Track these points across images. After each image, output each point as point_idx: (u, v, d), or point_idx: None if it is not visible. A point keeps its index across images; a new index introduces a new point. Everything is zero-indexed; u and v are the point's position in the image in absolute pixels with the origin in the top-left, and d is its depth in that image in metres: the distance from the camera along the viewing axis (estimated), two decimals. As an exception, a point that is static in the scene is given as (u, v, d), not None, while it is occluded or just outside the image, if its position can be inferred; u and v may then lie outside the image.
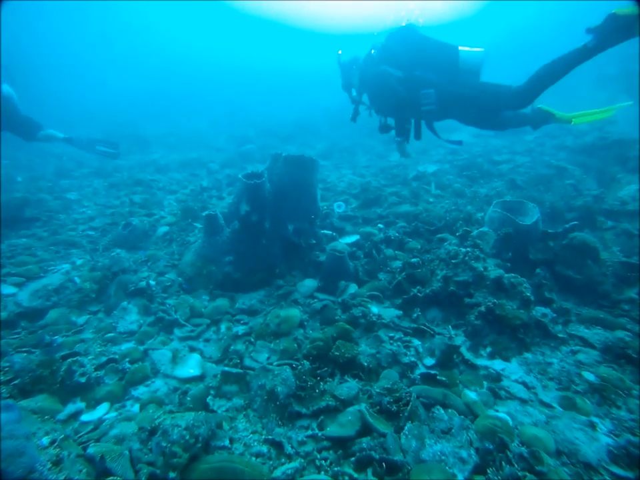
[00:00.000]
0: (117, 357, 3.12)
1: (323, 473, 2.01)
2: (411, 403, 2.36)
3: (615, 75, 14.68)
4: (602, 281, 3.90)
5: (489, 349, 3.23)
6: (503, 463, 2.01)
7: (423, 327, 3.40)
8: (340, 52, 5.06)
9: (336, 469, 2.01)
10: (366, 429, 2.24)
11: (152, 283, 4.14)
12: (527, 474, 1.97)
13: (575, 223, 4.38)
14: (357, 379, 2.76)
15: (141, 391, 2.80)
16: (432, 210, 5.58)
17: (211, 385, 2.70)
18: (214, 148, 13.68)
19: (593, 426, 2.40)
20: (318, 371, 2.72)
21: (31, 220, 6.09)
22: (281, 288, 4.06)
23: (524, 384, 2.85)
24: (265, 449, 2.18)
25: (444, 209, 5.76)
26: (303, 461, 2.09)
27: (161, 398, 2.67)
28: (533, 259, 4.13)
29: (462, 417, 2.38)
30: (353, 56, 4.97)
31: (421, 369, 2.95)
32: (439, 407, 2.47)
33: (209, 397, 2.58)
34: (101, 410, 2.59)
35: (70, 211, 6.85)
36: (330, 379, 2.70)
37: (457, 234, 4.65)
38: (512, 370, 3.01)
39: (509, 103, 4.33)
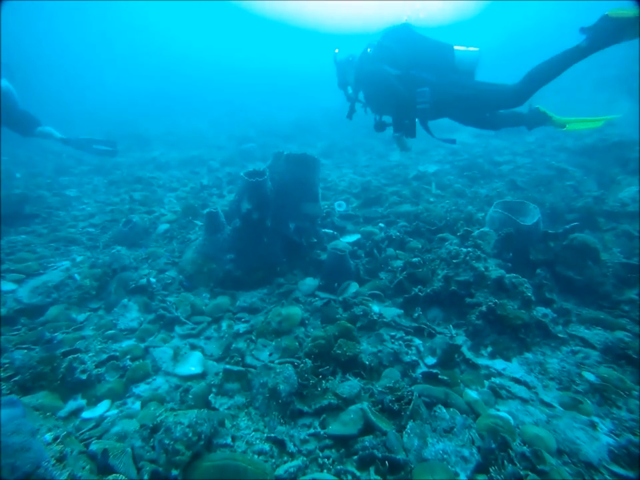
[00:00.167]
0: (117, 354, 3.11)
1: (325, 471, 2.01)
2: (412, 402, 2.36)
3: (616, 77, 14.71)
4: (602, 282, 3.90)
5: (489, 349, 3.24)
6: (505, 461, 2.01)
7: (424, 326, 3.41)
8: (337, 51, 5.12)
9: (339, 467, 2.01)
10: (368, 428, 2.24)
11: (152, 280, 4.13)
12: (529, 473, 1.97)
13: (576, 223, 4.39)
14: (358, 378, 2.76)
15: (142, 388, 2.79)
16: (433, 210, 5.58)
17: (212, 382, 2.69)
18: (214, 146, 13.67)
19: (593, 425, 2.40)
20: (320, 369, 2.72)
21: (30, 216, 6.08)
22: (282, 286, 4.06)
23: (525, 383, 2.85)
24: (267, 447, 2.18)
25: (444, 208, 5.77)
26: (305, 459, 2.09)
27: (162, 396, 2.66)
28: (534, 259, 4.13)
29: (464, 415, 2.39)
30: (349, 54, 5.02)
31: (423, 368, 2.95)
32: (440, 405, 2.47)
33: (211, 395, 2.58)
34: (102, 407, 2.58)
35: (69, 208, 6.84)
36: (332, 378, 2.70)
37: (458, 234, 4.66)
38: (513, 369, 3.02)
39: (503, 102, 4.36)
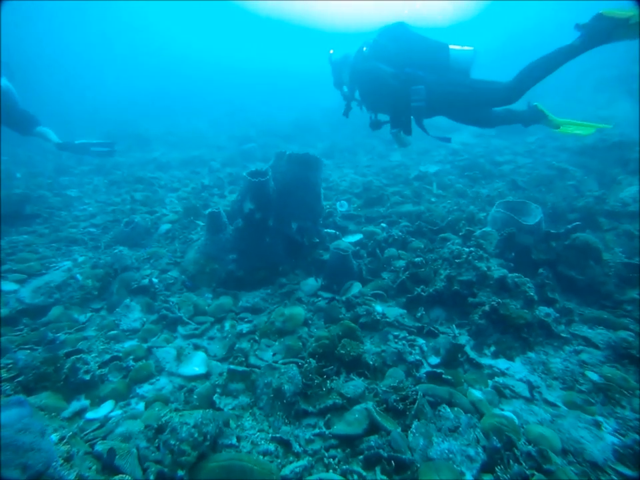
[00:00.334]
0: (120, 354, 3.10)
1: (331, 471, 2.01)
2: (417, 401, 2.36)
3: (616, 77, 14.73)
4: (604, 282, 3.90)
5: (492, 348, 3.24)
6: (511, 461, 2.01)
7: (427, 326, 3.41)
8: (331, 51, 5.14)
9: (344, 467, 2.01)
10: (373, 427, 2.24)
11: (155, 280, 4.13)
12: (535, 472, 1.97)
13: (578, 223, 4.40)
14: (362, 378, 2.76)
15: (145, 388, 2.79)
16: (434, 210, 5.58)
17: (217, 382, 2.69)
18: (215, 146, 13.66)
19: (598, 425, 2.40)
20: (324, 369, 2.72)
21: (31, 216, 6.07)
22: (284, 286, 4.06)
23: (528, 383, 2.85)
24: (272, 447, 2.18)
25: (446, 208, 5.77)
26: (311, 459, 2.09)
27: (166, 396, 2.66)
28: (536, 259, 4.13)
29: (469, 415, 2.39)
30: (344, 54, 5.03)
31: (426, 368, 2.95)
32: (445, 405, 2.47)
33: (215, 395, 2.57)
34: (106, 408, 2.58)
35: (71, 208, 6.84)
36: (336, 377, 2.70)
37: (460, 234, 4.66)
38: (516, 369, 3.01)
39: (497, 99, 4.37)
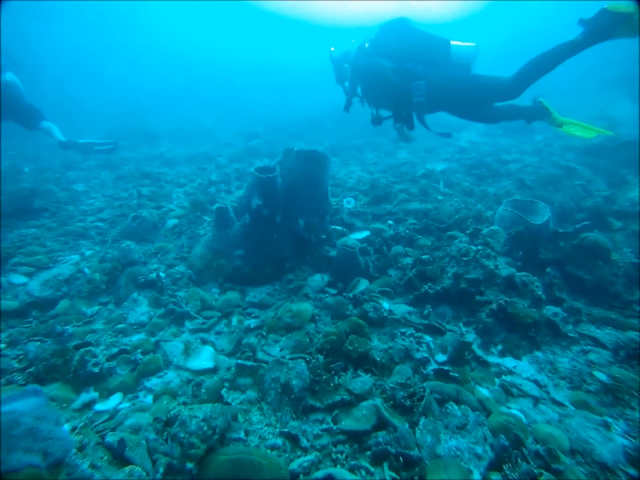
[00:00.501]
0: (128, 348, 3.12)
1: (339, 466, 2.01)
2: (425, 398, 2.36)
3: (618, 78, 14.63)
4: (613, 282, 3.88)
5: (499, 347, 3.23)
6: (519, 459, 2.00)
7: (434, 323, 3.40)
8: (332, 49, 5.20)
9: (352, 462, 2.02)
10: (381, 423, 2.24)
11: (162, 275, 4.14)
12: (543, 471, 1.96)
13: (586, 223, 4.38)
14: (369, 374, 2.76)
15: (153, 382, 2.80)
16: (441, 208, 5.57)
17: (225, 377, 2.70)
18: (221, 143, 13.69)
19: (607, 426, 2.38)
20: (331, 365, 2.72)
21: (39, 210, 6.11)
22: (291, 282, 4.06)
23: (535, 382, 2.84)
24: (280, 441, 2.18)
25: (453, 206, 5.75)
26: (318, 454, 2.09)
27: (174, 389, 2.67)
28: (543, 258, 4.12)
29: (477, 412, 2.39)
30: (345, 50, 5.08)
31: (433, 365, 2.95)
32: (452, 402, 2.47)
33: (224, 389, 2.59)
34: (114, 400, 2.60)
35: (78, 202, 6.86)
36: (343, 373, 2.70)
37: (467, 232, 4.65)
38: (523, 368, 3.01)
39: (498, 94, 4.37)
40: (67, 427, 1.92)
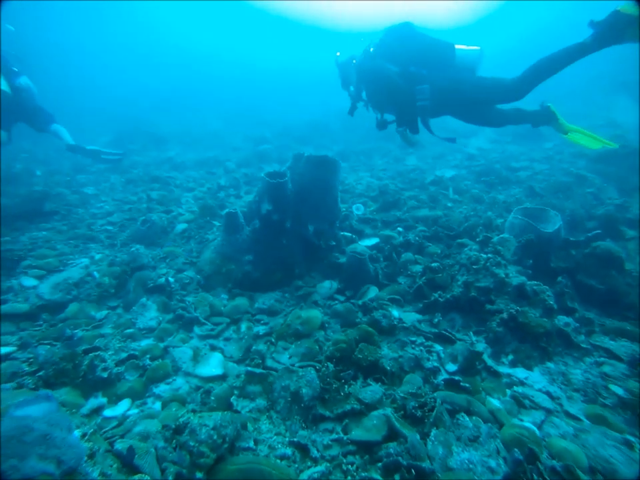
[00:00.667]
0: (137, 353, 3.11)
1: (349, 477, 1.99)
2: (436, 409, 2.33)
3: (629, 83, 14.53)
4: (627, 292, 3.82)
5: (510, 357, 3.18)
6: (535, 475, 1.96)
7: (444, 332, 3.37)
8: (338, 54, 5.25)
9: (363, 474, 1.99)
10: (392, 434, 2.21)
11: (171, 279, 4.14)
12: (561, 489, 1.92)
13: (598, 231, 4.33)
14: (379, 383, 2.73)
15: (162, 388, 2.79)
16: (451, 215, 5.54)
17: (234, 384, 2.68)
18: (230, 147, 13.74)
19: (629, 445, 2.25)
20: (341, 374, 2.70)
21: (50, 213, 6.15)
22: (300, 289, 4.05)
23: (548, 394, 2.80)
24: (289, 451, 2.16)
25: (463, 214, 5.71)
26: (329, 464, 2.07)
27: (183, 396, 2.66)
28: (554, 267, 4.07)
29: (489, 424, 2.35)
30: (350, 55, 5.12)
31: (444, 375, 2.92)
32: (463, 413, 2.44)
33: (233, 397, 2.57)
34: (123, 406, 2.59)
35: (88, 206, 6.90)
36: (353, 382, 2.68)
37: (477, 239, 4.61)
38: (535, 379, 2.96)
39: (503, 95, 4.37)
40: (77, 433, 1.91)
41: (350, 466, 2.06)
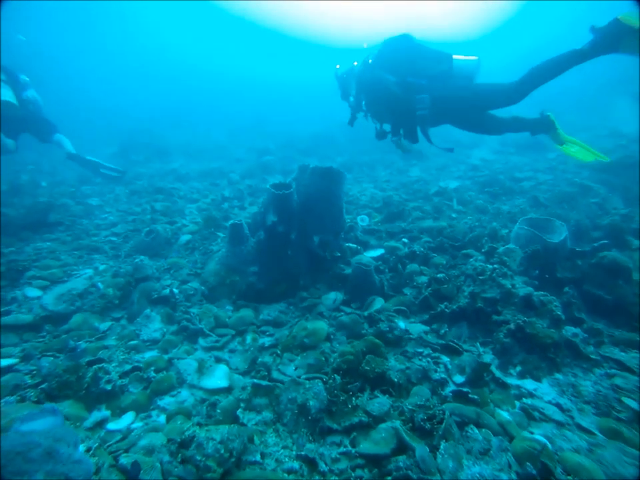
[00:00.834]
0: (141, 365, 3.08)
1: (358, 492, 1.95)
2: (445, 421, 2.29)
3: (635, 93, 14.55)
4: (635, 302, 3.78)
5: (518, 368, 3.14)
6: (549, 490, 1.91)
7: (451, 343, 3.33)
8: (337, 66, 5.37)
9: (372, 488, 1.95)
10: (401, 447, 2.17)
11: (175, 291, 4.12)
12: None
13: (604, 241, 4.30)
14: (387, 395, 2.69)
15: (166, 401, 2.75)
16: (456, 226, 5.52)
17: (241, 397, 2.64)
18: (233, 159, 13.80)
19: (651, 464, 2.15)
20: (348, 386, 2.66)
21: (54, 224, 6.16)
22: (305, 300, 4.02)
23: (558, 405, 2.75)
24: (297, 465, 2.12)
25: (467, 224, 5.70)
26: (337, 478, 2.03)
27: (188, 409, 2.62)
28: (561, 277, 4.04)
29: (499, 437, 2.30)
30: (349, 67, 5.23)
31: (451, 386, 2.88)
32: (472, 426, 2.39)
33: (239, 410, 2.53)
34: (127, 419, 2.55)
35: (92, 217, 6.92)
36: (360, 394, 2.64)
37: (483, 250, 4.58)
38: (544, 390, 2.91)
39: (499, 99, 4.41)
40: (81, 447, 1.88)
41: (359, 480, 2.02)
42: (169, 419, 2.53)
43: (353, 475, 2.05)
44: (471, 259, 4.35)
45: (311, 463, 2.14)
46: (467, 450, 2.21)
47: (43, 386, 2.70)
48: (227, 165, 12.50)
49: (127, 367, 3.05)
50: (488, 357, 3.25)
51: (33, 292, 4.05)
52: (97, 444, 2.00)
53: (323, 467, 2.10)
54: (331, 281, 4.32)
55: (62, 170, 11.21)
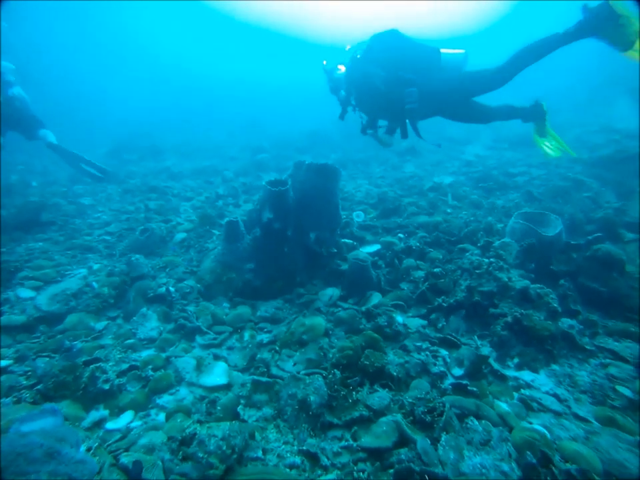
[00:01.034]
0: (138, 364, 3.05)
1: (361, 485, 1.95)
2: (445, 413, 2.29)
3: (630, 90, 14.65)
4: (629, 294, 3.81)
5: (516, 360, 3.16)
6: (549, 479, 1.92)
7: (449, 336, 3.34)
8: (324, 62, 5.39)
9: (375, 481, 1.95)
10: (402, 440, 2.18)
11: (171, 289, 4.10)
12: (578, 494, 1.88)
13: (599, 234, 4.33)
14: (386, 389, 2.69)
15: (165, 399, 2.74)
16: (451, 220, 5.54)
17: (240, 393, 2.63)
18: (227, 157, 13.75)
19: (645, 449, 2.18)
20: (348, 380, 2.66)
21: (46, 224, 6.10)
22: (302, 296, 4.01)
23: (555, 396, 2.76)
24: (298, 460, 2.12)
25: (462, 219, 5.71)
26: (339, 472, 2.02)
27: (187, 407, 2.60)
28: (556, 270, 4.06)
29: (499, 428, 2.32)
30: (337, 62, 5.26)
31: (450, 379, 2.89)
32: (472, 417, 2.40)
33: (240, 406, 2.52)
34: (125, 418, 2.54)
35: (85, 216, 6.85)
36: (360, 389, 2.64)
37: (479, 244, 4.61)
38: (541, 381, 2.93)
39: (485, 83, 4.45)
40: (82, 447, 1.86)
41: (361, 473, 2.01)
42: (168, 417, 2.52)
43: (355, 468, 2.05)
44: (467, 253, 4.37)
45: (312, 457, 2.14)
46: (468, 441, 2.22)
47: (38, 387, 2.68)
48: (221, 163, 12.45)
49: (125, 366, 3.03)
50: (486, 350, 3.26)
51: (25, 293, 4.00)
52: (96, 443, 1.98)
53: (325, 461, 2.10)
54: (328, 277, 4.32)
55: (54, 170, 11.11)
